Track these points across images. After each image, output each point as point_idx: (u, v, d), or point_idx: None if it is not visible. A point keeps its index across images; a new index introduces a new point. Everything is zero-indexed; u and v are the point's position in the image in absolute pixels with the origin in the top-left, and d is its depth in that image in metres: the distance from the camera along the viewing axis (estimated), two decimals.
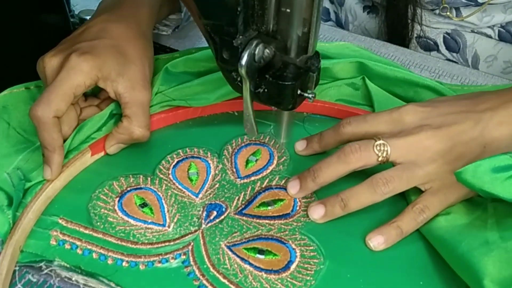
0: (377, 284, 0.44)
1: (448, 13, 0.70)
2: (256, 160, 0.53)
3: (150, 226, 0.47)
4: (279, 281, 0.43)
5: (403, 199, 0.49)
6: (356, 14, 0.80)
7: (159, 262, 0.44)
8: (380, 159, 0.46)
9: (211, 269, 0.44)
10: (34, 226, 0.46)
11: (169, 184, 0.50)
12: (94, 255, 0.44)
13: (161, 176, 0.51)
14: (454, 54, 0.78)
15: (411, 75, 0.58)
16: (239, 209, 0.49)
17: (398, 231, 0.45)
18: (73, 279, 0.43)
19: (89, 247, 0.45)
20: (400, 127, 0.47)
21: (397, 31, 0.76)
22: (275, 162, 0.53)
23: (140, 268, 0.44)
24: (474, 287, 0.41)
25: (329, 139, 0.52)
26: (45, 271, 0.43)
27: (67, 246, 0.45)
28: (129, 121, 0.51)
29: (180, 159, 0.53)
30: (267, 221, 0.48)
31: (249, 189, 0.51)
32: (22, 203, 0.47)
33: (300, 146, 0.54)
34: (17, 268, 0.43)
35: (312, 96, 0.46)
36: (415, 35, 0.77)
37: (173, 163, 0.53)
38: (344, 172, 0.47)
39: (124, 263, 0.44)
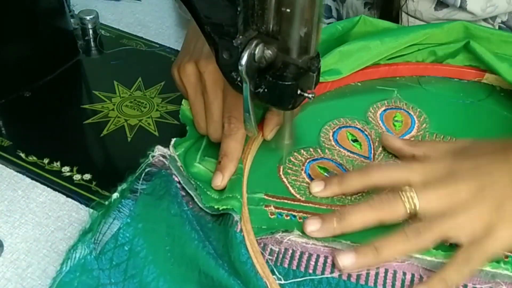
0: None
1: None
2: (401, 122, 0.59)
3: None
4: None
5: None
6: (357, 10, 0.81)
7: None
8: (409, 211, 0.46)
9: None
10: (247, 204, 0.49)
11: (340, 153, 0.55)
12: None
13: (327, 146, 0.55)
14: None
15: None
16: None
17: None
18: (311, 243, 0.46)
19: (306, 215, 0.49)
20: (432, 176, 0.47)
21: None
22: (416, 121, 0.59)
23: None
24: None
25: (353, 182, 0.50)
26: (284, 241, 0.46)
27: (286, 217, 0.48)
28: None
29: (335, 129, 0.58)
30: None
31: None
32: None
33: (317, 187, 0.51)
34: None
35: (312, 96, 0.45)
36: None
37: (331, 134, 0.57)
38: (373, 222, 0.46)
39: None
